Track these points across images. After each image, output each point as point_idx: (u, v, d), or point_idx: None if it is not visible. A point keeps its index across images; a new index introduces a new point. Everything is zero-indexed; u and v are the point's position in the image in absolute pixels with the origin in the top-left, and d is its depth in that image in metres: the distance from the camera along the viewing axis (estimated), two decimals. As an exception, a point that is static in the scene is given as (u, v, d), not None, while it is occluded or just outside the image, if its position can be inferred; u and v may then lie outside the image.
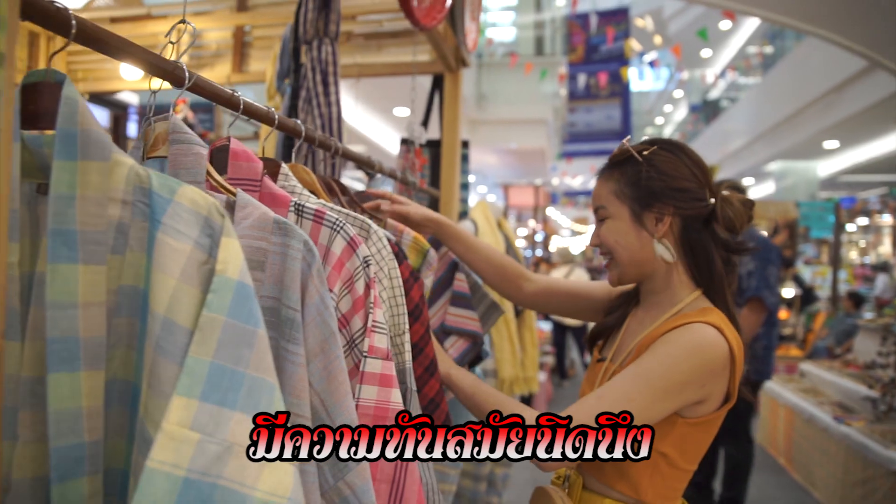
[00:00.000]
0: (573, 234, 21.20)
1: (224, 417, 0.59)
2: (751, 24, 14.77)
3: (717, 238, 1.10)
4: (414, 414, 0.96)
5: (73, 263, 0.62)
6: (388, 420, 0.85)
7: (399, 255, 1.02)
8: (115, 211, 0.66)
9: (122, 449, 0.70)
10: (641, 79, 24.33)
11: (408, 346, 0.97)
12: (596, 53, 15.77)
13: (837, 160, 11.92)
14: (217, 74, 2.97)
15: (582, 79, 14.77)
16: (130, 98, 4.53)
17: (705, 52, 17.24)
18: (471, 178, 5.66)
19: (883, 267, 6.58)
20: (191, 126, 3.21)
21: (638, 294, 1.22)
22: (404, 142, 2.92)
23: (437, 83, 2.84)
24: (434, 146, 2.83)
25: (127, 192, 0.68)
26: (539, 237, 13.14)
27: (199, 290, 0.63)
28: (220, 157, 0.97)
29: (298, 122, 1.20)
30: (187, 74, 0.87)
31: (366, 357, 0.85)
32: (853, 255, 11.55)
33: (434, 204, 2.82)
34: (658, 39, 14.48)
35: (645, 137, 1.30)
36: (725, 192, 1.12)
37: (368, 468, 0.76)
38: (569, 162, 16.43)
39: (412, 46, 2.75)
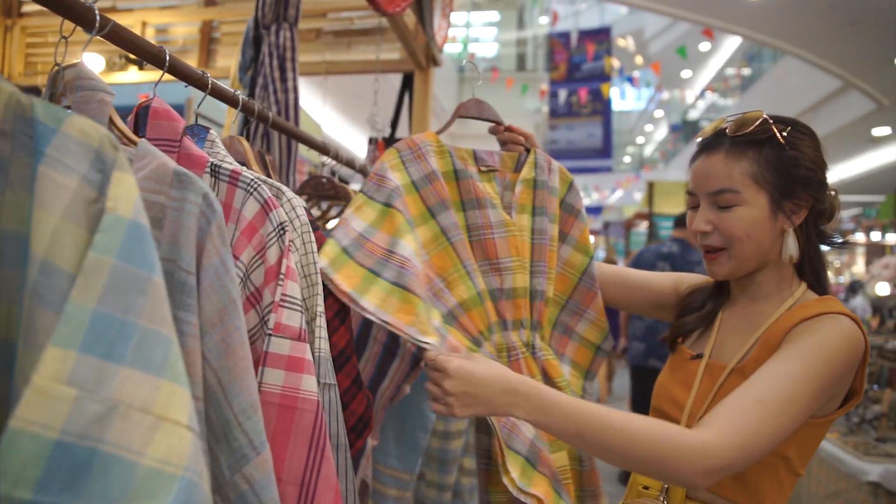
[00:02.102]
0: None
1: (109, 372, 0.50)
2: (729, 46, 15.01)
3: (822, 232, 1.01)
4: (330, 415, 0.85)
5: None
6: (297, 410, 0.75)
7: (315, 229, 0.93)
8: (-10, 145, 0.57)
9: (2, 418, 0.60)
10: (623, 98, 24.63)
11: (322, 333, 0.86)
12: (578, 72, 15.93)
13: (813, 180, 12.04)
14: (181, 69, 2.88)
15: (563, 96, 14.88)
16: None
17: (685, 73, 17.47)
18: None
19: (854, 288, 6.61)
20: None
21: (727, 289, 1.09)
22: (372, 141, 2.84)
23: (408, 82, 2.78)
24: (403, 146, 2.76)
25: (6, 121, 0.59)
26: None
27: (86, 230, 0.54)
28: (145, 115, 0.89)
29: (238, 93, 1.11)
30: (98, 17, 0.77)
31: (270, 335, 0.75)
32: (829, 275, 11.64)
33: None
34: (639, 59, 14.65)
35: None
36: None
37: (269, 459, 0.66)
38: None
39: (382, 44, 2.69)
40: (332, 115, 7.68)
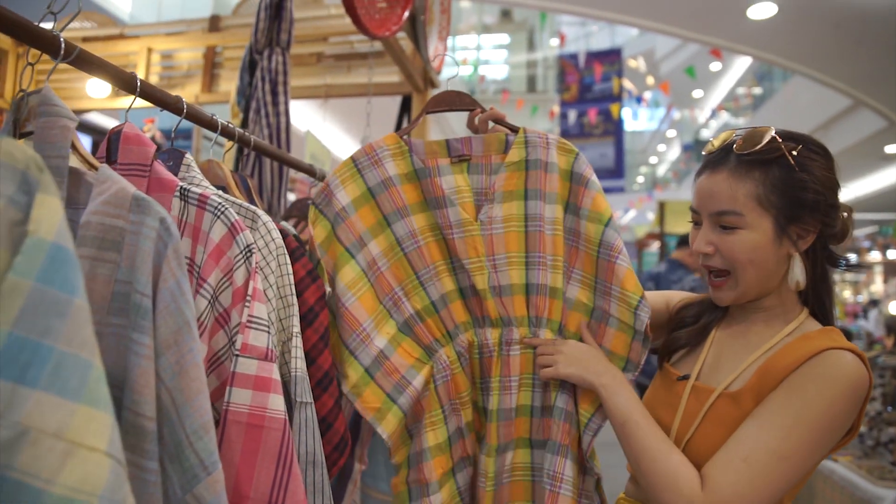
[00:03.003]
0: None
1: (20, 397, 0.50)
2: (740, 66, 15.02)
3: (831, 254, 0.97)
4: (307, 433, 0.86)
5: None
6: (263, 429, 0.75)
7: (296, 252, 0.94)
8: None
9: None
10: (635, 119, 24.66)
11: (298, 353, 0.86)
12: (589, 93, 16.00)
13: (828, 199, 11.94)
14: (187, 94, 2.93)
15: (575, 117, 14.94)
16: (99, 119, 4.51)
17: (696, 93, 17.48)
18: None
19: (874, 303, 6.51)
20: (158, 146, 3.17)
21: (720, 306, 1.05)
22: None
23: (406, 105, 2.81)
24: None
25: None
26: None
27: (10, 252, 0.54)
28: (116, 140, 0.91)
29: (216, 116, 1.13)
30: (63, 44, 0.79)
31: (237, 356, 0.76)
32: (846, 294, 11.48)
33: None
34: (650, 80, 14.70)
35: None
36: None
37: (221, 480, 0.66)
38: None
39: (379, 67, 2.73)
40: (339, 138, 7.77)
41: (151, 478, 0.63)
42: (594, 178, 1.10)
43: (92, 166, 0.78)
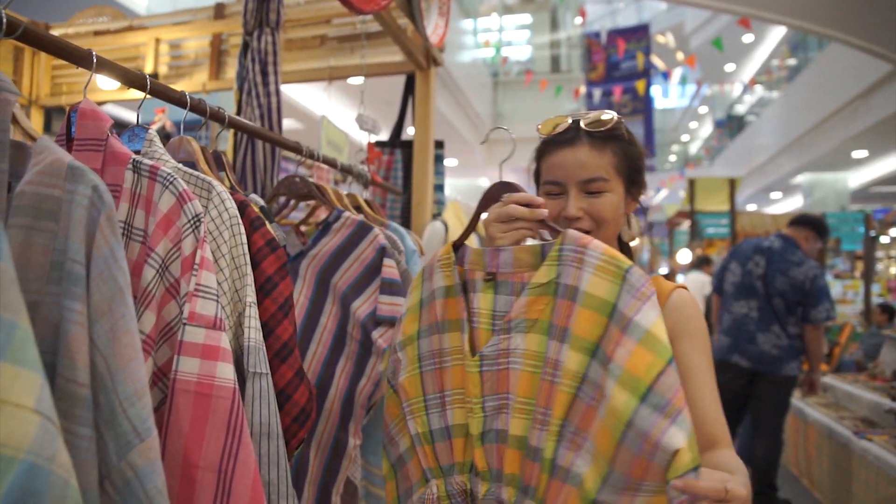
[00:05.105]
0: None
1: None
2: (774, 37, 14.50)
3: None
4: (260, 403, 0.85)
5: None
6: (212, 398, 0.75)
7: (255, 222, 0.93)
8: None
9: None
10: (666, 96, 24.09)
11: (252, 323, 0.86)
12: (617, 71, 15.66)
13: (868, 171, 11.50)
14: (194, 82, 2.96)
15: (602, 97, 14.67)
16: (114, 110, 4.59)
17: (729, 67, 16.97)
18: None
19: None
20: (167, 136, 3.21)
21: None
22: (379, 144, 2.85)
23: (410, 84, 2.78)
24: (408, 147, 2.76)
25: None
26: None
27: None
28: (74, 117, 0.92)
29: (205, 101, 1.13)
30: (4, 20, 0.79)
31: (185, 325, 0.76)
32: (893, 269, 11.06)
33: (407, 205, 2.74)
34: (680, 55, 14.30)
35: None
36: None
37: (155, 447, 0.66)
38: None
39: (383, 47, 2.71)
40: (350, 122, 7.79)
41: (84, 443, 0.64)
42: (642, 316, 0.77)
43: (31, 138, 0.78)
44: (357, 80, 2.55)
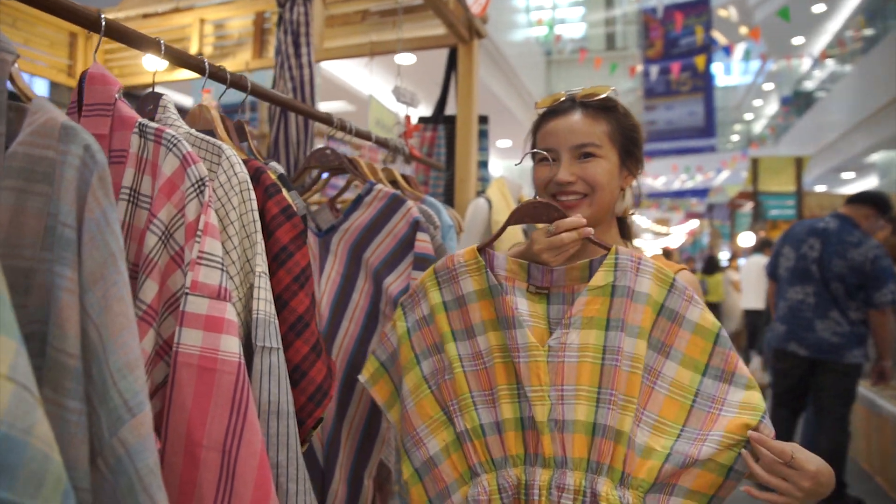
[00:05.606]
0: (655, 237, 20.28)
1: None
2: (849, 5, 13.61)
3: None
4: (269, 380, 0.80)
5: None
6: (216, 372, 0.71)
7: (270, 189, 0.88)
8: None
9: None
10: (728, 73, 23.08)
11: (262, 294, 0.80)
12: (675, 48, 15.06)
13: (951, 148, 10.72)
14: (238, 62, 2.96)
15: (661, 75, 14.14)
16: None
17: (797, 40, 16.04)
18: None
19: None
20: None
21: None
22: (421, 120, 2.79)
23: (453, 59, 2.70)
24: (452, 123, 2.69)
25: None
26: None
27: None
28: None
29: (207, 61, 1.09)
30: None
31: (187, 294, 0.71)
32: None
33: (450, 181, 2.67)
34: (744, 30, 13.60)
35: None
36: None
37: (147, 423, 0.62)
38: (648, 161, 15.73)
39: (425, 20, 2.63)
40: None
41: (73, 417, 0.60)
42: (692, 313, 0.99)
43: (28, 98, 0.75)
44: (404, 58, 2.49)
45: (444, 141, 2.67)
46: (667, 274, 1.01)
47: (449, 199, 2.68)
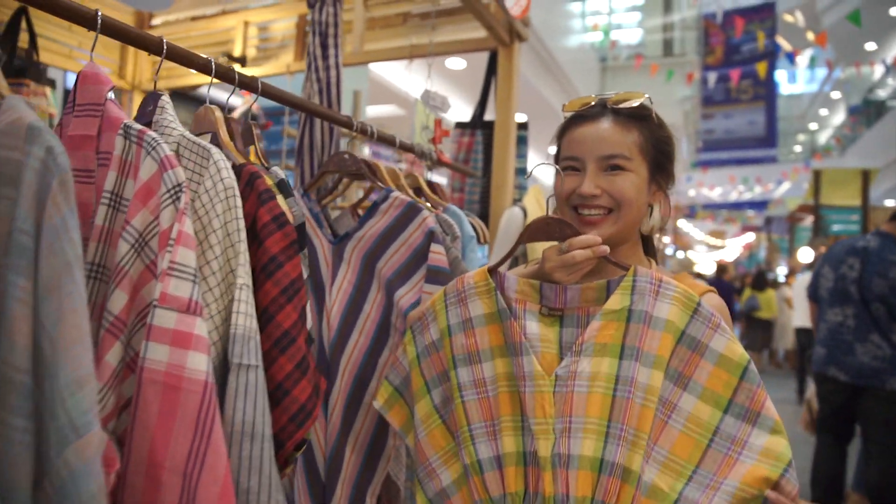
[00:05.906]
0: (709, 249, 19.65)
1: None
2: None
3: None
4: (245, 400, 0.76)
5: None
6: (181, 391, 0.66)
7: (263, 195, 0.83)
8: None
9: None
10: (793, 82, 22.19)
11: (241, 307, 0.76)
12: (737, 55, 14.58)
13: None
14: (280, 64, 2.97)
15: (719, 82, 13.70)
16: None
17: (869, 46, 15.24)
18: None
19: None
20: (254, 117, 3.26)
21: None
22: (459, 125, 2.73)
23: (493, 62, 2.63)
24: (490, 128, 2.62)
25: None
26: (670, 251, 12.27)
27: None
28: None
29: (213, 60, 1.06)
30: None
31: (155, 307, 0.67)
32: None
33: (487, 189, 2.60)
34: (810, 35, 13.01)
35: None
36: None
37: (94, 445, 0.58)
38: (704, 171, 15.23)
39: (465, 23, 2.58)
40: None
41: (17, 436, 0.56)
42: (717, 342, 0.90)
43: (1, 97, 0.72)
44: (454, 63, 2.44)
45: (481, 147, 2.60)
46: (691, 297, 0.92)
47: (484, 206, 2.61)
